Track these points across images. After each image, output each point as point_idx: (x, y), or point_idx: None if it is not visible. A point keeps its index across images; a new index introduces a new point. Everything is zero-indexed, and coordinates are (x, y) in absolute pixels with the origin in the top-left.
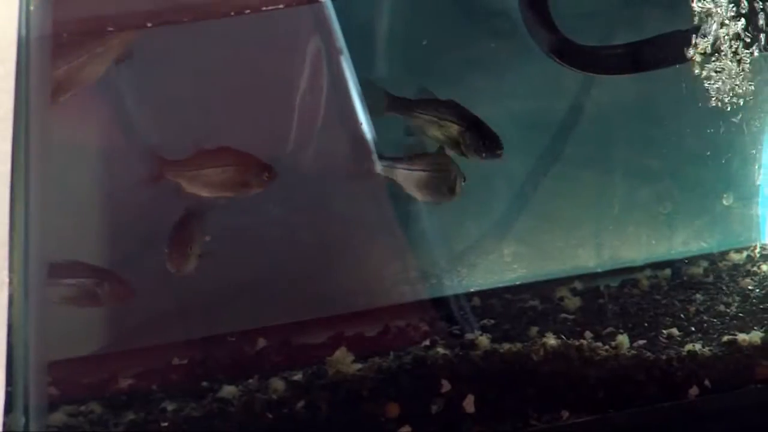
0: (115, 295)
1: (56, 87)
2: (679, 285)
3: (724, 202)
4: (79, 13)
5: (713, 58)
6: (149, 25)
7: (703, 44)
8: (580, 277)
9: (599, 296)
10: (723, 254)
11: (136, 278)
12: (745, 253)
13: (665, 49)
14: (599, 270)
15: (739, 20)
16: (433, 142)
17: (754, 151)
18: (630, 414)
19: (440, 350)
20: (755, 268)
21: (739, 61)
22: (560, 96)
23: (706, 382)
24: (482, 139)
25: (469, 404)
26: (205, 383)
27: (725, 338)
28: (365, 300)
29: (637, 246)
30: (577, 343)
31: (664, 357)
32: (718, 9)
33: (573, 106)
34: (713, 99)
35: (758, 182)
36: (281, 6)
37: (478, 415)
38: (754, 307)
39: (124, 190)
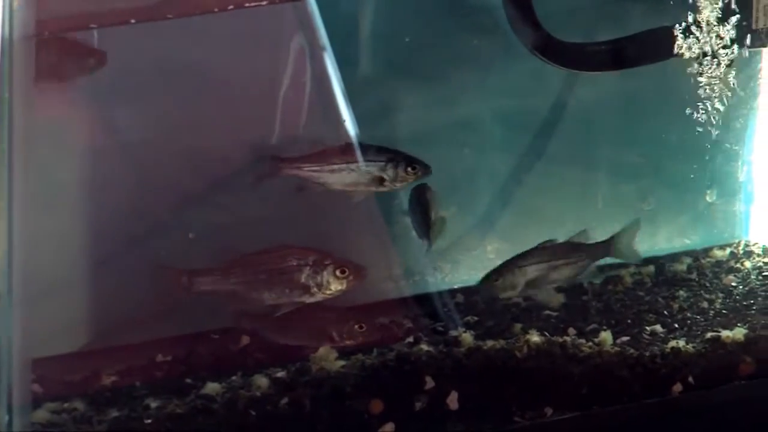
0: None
1: None
2: (662, 282)
3: (708, 199)
4: (62, 12)
5: (698, 56)
6: (132, 21)
7: (689, 42)
8: None
9: (583, 293)
10: (706, 251)
11: (121, 275)
12: (728, 250)
13: (649, 45)
14: None
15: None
16: None
17: (737, 148)
18: (614, 411)
19: (424, 347)
20: (738, 265)
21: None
22: (544, 93)
23: (690, 379)
24: None
25: (452, 401)
26: (188, 380)
27: (709, 335)
28: (348, 297)
29: None
30: (560, 340)
31: (647, 354)
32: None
33: (556, 103)
34: (697, 95)
35: (741, 179)
36: (264, 2)
37: (461, 412)
38: (737, 304)
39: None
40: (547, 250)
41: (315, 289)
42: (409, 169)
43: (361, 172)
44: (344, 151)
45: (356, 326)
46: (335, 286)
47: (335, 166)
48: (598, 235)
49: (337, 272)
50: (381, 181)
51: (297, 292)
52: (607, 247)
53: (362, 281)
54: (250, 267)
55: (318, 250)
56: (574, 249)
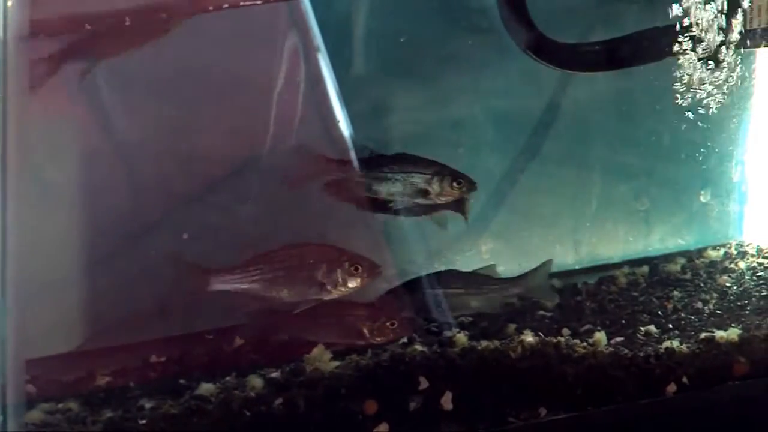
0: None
1: None
2: (656, 282)
3: (702, 199)
4: (56, 12)
5: (689, 56)
6: (127, 22)
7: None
8: (558, 274)
9: (577, 293)
10: (700, 251)
11: (116, 275)
12: (722, 250)
13: (642, 46)
14: (577, 267)
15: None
16: None
17: (731, 148)
18: (608, 411)
19: (418, 347)
20: (732, 265)
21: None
22: (538, 93)
23: (684, 379)
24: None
25: (447, 402)
26: (182, 381)
27: (703, 335)
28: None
29: (615, 243)
30: (554, 341)
31: (641, 354)
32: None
33: (550, 103)
34: (691, 96)
35: (735, 179)
36: (259, 2)
37: (455, 412)
38: (731, 304)
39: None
40: (447, 278)
41: (330, 287)
42: (455, 183)
43: (406, 183)
44: (392, 160)
45: (387, 323)
46: (350, 283)
47: (382, 174)
48: (591, 236)
49: (351, 269)
50: (425, 193)
51: (313, 289)
52: (517, 283)
53: (376, 278)
54: (267, 265)
55: (334, 247)
56: (475, 281)
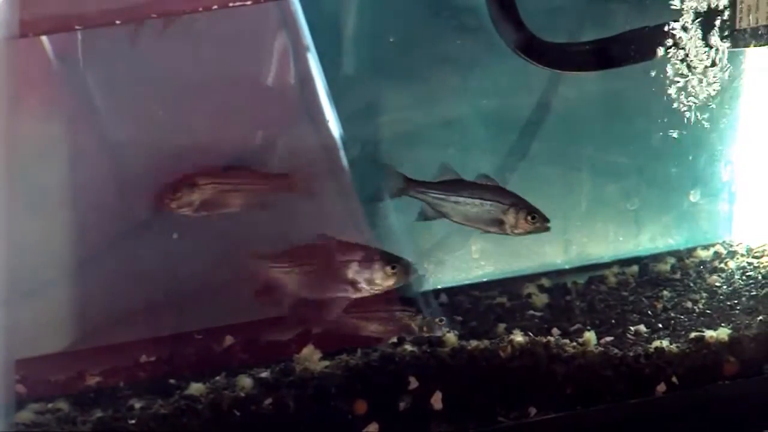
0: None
1: None
2: (646, 282)
3: (691, 199)
4: (46, 12)
5: (682, 56)
6: (117, 22)
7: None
8: (548, 274)
9: (567, 293)
10: (690, 251)
11: (105, 275)
12: (712, 250)
13: (632, 45)
14: (567, 267)
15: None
16: None
17: (721, 148)
18: (597, 411)
19: (408, 347)
20: (722, 265)
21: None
22: (528, 93)
23: (674, 379)
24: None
25: (436, 401)
26: (172, 381)
27: (692, 335)
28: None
29: (605, 243)
30: (544, 340)
31: (631, 354)
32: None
33: (540, 102)
34: (680, 96)
35: (725, 179)
36: (248, 2)
37: (445, 412)
38: (721, 304)
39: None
40: None
41: (362, 285)
42: (529, 217)
43: (483, 210)
44: (472, 187)
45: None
46: (383, 282)
47: (461, 199)
48: (581, 236)
49: (387, 269)
50: (500, 223)
51: (346, 286)
52: None
53: (410, 278)
54: (297, 260)
55: (365, 246)
56: None
